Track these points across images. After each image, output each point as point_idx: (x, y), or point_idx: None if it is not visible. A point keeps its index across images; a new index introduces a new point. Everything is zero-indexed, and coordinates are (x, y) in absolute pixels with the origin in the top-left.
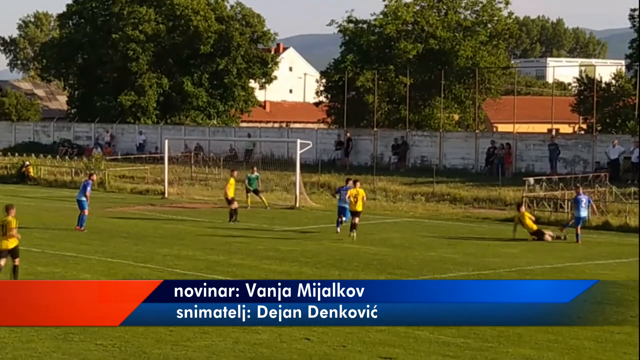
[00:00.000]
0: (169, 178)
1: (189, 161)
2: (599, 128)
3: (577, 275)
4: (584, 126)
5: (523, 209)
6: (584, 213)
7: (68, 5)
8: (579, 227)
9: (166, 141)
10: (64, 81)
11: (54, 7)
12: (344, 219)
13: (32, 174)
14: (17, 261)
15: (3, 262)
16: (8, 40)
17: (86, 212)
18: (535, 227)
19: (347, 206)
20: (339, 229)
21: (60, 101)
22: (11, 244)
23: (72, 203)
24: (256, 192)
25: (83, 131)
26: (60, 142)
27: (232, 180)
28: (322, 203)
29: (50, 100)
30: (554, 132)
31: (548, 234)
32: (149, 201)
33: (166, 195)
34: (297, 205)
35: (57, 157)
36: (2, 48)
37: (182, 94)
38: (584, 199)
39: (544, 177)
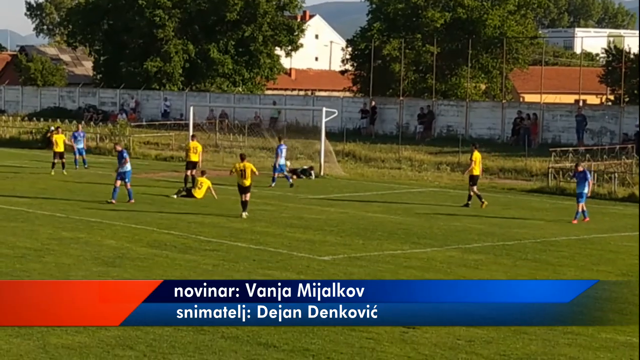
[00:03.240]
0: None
1: (213, 128)
2: (626, 99)
3: (603, 246)
4: (612, 97)
5: None
6: (585, 189)
7: None
8: (582, 204)
9: (191, 108)
10: (89, 47)
11: None
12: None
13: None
14: (247, 196)
15: (244, 197)
16: (34, 5)
17: (117, 183)
18: None
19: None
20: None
21: (86, 67)
22: (247, 182)
23: (96, 168)
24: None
25: (108, 97)
26: (86, 108)
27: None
28: (347, 171)
29: (75, 66)
30: (581, 103)
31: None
32: (173, 168)
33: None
34: (322, 173)
35: (82, 122)
36: (28, 13)
37: (207, 61)
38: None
39: (570, 149)
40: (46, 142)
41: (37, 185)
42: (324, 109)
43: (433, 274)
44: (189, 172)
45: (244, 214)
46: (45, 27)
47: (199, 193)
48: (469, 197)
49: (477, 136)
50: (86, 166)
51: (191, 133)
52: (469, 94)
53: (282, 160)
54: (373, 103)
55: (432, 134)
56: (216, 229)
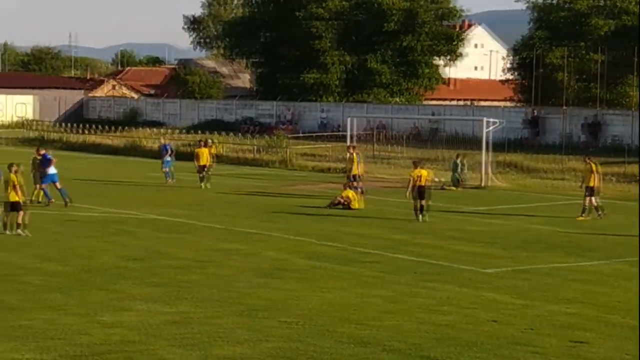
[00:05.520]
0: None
1: (371, 139)
2: None
3: None
4: None
5: None
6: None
7: None
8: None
9: (349, 119)
10: (247, 59)
11: None
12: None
13: (215, 151)
14: (424, 202)
15: (422, 202)
16: (193, 19)
17: None
18: None
19: None
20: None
21: (243, 79)
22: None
23: (255, 180)
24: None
25: (266, 109)
26: (243, 120)
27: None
28: (509, 182)
29: (233, 79)
30: None
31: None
32: (330, 179)
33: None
34: (484, 184)
35: (240, 134)
36: (187, 27)
37: (365, 72)
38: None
39: None
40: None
41: (196, 197)
42: (485, 119)
43: (600, 287)
44: (355, 183)
45: (423, 218)
46: (203, 40)
47: (357, 204)
48: (596, 209)
49: None
50: (172, 180)
51: (350, 144)
52: (635, 103)
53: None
54: (536, 113)
55: (597, 144)
56: (376, 240)
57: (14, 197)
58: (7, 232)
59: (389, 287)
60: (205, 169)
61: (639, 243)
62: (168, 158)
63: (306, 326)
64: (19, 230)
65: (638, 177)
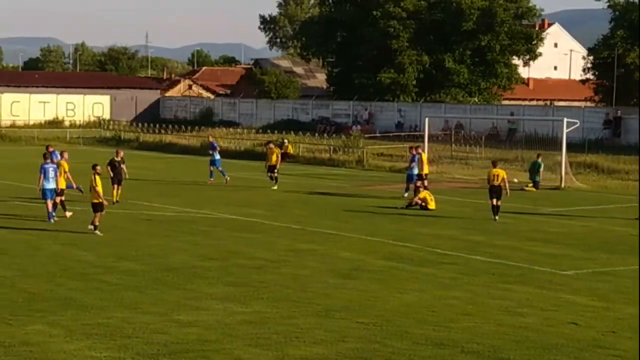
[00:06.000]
0: (428, 156)
1: (449, 139)
2: None
3: None
4: None
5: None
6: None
7: None
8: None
9: (426, 119)
10: (322, 59)
11: None
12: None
13: (290, 151)
14: (499, 202)
15: (496, 202)
16: (268, 18)
17: None
18: None
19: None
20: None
21: (319, 79)
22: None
23: (331, 180)
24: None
25: (341, 109)
26: (319, 120)
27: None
28: (589, 183)
29: (309, 78)
30: None
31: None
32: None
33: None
34: (563, 185)
35: (316, 134)
36: (262, 26)
37: (442, 71)
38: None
39: None
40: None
41: (271, 197)
42: (565, 120)
43: None
44: (418, 184)
45: (496, 217)
46: (278, 40)
47: (433, 205)
48: None
49: None
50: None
51: (426, 144)
52: None
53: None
54: (618, 113)
55: None
56: (453, 241)
57: (94, 198)
58: (98, 233)
59: (466, 289)
60: (276, 170)
61: (639, 243)
62: (217, 156)
63: (383, 327)
64: (91, 226)
65: (638, 177)
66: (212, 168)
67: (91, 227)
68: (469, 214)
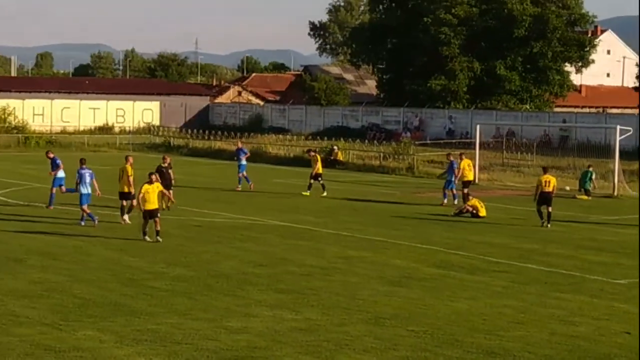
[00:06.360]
0: (479, 163)
1: (500, 147)
2: None
3: None
4: None
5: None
6: None
7: None
8: None
9: (477, 126)
10: (373, 65)
11: None
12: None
13: (340, 157)
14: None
15: (548, 209)
16: (318, 25)
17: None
18: None
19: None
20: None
21: (369, 85)
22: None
23: (381, 187)
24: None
25: (392, 115)
26: (369, 126)
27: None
28: None
29: (358, 85)
30: None
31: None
32: (457, 186)
33: (476, 181)
34: (615, 193)
35: (366, 141)
36: (312, 33)
37: (494, 78)
38: None
39: None
40: (330, 161)
41: (320, 204)
42: (618, 127)
43: None
44: (465, 191)
45: (546, 224)
46: (328, 46)
47: (484, 212)
48: None
49: None
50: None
51: (477, 151)
52: None
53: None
54: None
55: None
56: (505, 249)
57: (149, 205)
58: (147, 239)
59: (518, 297)
60: (320, 177)
61: (639, 243)
62: (244, 162)
63: (434, 335)
64: (158, 237)
65: (638, 178)
66: (242, 173)
67: (158, 238)
68: (521, 222)
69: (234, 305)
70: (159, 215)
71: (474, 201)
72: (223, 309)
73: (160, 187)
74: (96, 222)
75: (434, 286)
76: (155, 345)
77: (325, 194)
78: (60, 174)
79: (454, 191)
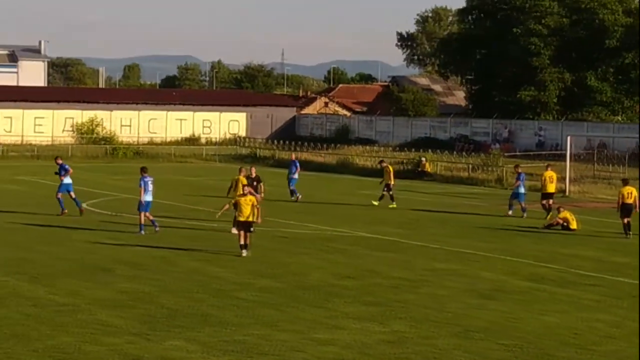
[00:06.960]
0: (570, 175)
1: (591, 158)
2: None
3: None
4: None
5: None
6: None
7: (468, 0)
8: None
9: (568, 138)
10: (461, 76)
11: (453, 2)
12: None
13: (428, 169)
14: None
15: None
16: (406, 35)
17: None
18: None
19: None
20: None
21: (457, 96)
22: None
23: (469, 199)
24: None
25: (481, 127)
26: (457, 138)
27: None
28: None
29: (447, 96)
30: None
31: None
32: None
33: (567, 193)
34: None
35: (454, 152)
36: (399, 44)
37: (584, 89)
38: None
39: None
40: (418, 173)
41: (407, 215)
42: None
43: None
44: (544, 202)
45: (628, 236)
46: (416, 57)
47: (575, 225)
48: None
49: None
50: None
51: (568, 163)
52: None
53: None
54: None
55: None
56: (596, 263)
57: (241, 217)
58: (243, 253)
59: (610, 311)
60: (391, 188)
61: (639, 245)
62: (296, 176)
63: (525, 349)
64: (243, 251)
65: (638, 179)
66: (292, 187)
67: (242, 252)
68: (612, 235)
69: (321, 317)
70: (252, 229)
71: (565, 213)
72: (310, 320)
73: (254, 200)
74: (157, 228)
75: (524, 299)
76: (242, 356)
77: (394, 204)
78: (67, 179)
79: (523, 204)
